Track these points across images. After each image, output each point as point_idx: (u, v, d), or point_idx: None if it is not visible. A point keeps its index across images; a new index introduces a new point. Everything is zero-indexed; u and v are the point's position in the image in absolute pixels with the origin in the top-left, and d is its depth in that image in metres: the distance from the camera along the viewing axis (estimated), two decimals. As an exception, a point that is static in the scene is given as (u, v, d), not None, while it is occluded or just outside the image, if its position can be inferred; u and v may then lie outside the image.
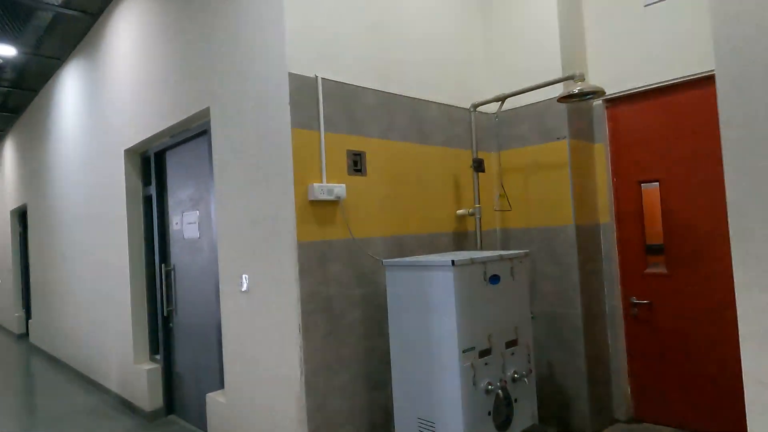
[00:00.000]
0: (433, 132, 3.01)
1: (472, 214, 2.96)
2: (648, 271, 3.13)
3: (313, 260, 2.35)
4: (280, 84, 2.38)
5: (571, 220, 3.03)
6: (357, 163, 2.55)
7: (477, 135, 3.26)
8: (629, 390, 3.19)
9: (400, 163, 2.79)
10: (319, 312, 2.35)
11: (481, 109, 3.31)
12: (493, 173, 3.38)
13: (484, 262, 2.15)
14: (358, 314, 2.50)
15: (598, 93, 2.46)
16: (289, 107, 2.32)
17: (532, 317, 2.83)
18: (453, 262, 1.99)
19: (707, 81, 2.87)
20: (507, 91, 2.93)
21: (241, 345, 2.76)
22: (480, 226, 2.94)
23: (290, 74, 2.33)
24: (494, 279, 2.19)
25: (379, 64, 2.74)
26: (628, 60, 3.11)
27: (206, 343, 3.39)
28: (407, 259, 2.27)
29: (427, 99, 2.99)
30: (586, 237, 3.12)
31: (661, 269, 3.08)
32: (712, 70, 2.80)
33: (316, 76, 2.44)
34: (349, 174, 2.53)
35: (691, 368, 2.95)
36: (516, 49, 3.29)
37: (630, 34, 3.09)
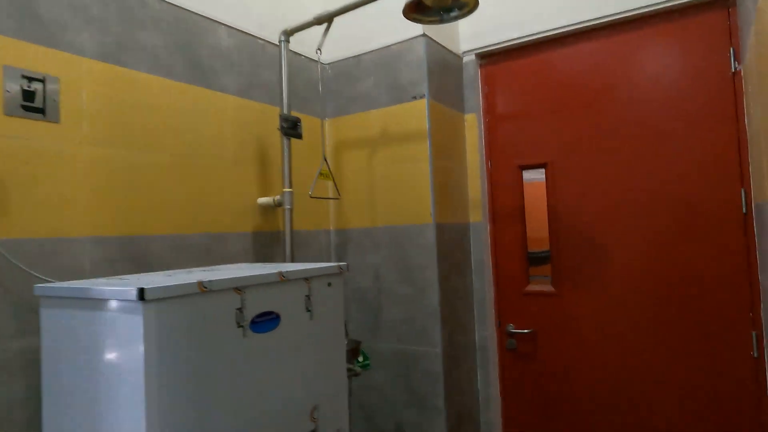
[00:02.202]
0: (221, 71, 1.88)
1: (279, 204, 1.88)
2: (530, 288, 2.29)
3: None
4: None
5: (429, 218, 2.08)
6: (32, 97, 1.34)
7: (296, 85, 2.20)
8: (504, 452, 2.32)
9: (147, 113, 1.62)
10: None
11: (303, 50, 2.25)
12: (320, 146, 2.34)
13: (240, 288, 1.06)
14: (19, 391, 1.27)
15: (468, 4, 1.51)
16: None
17: (361, 366, 1.81)
18: (141, 292, 0.87)
19: (605, 31, 2.10)
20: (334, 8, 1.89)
21: None
22: (290, 223, 1.86)
23: None
24: (265, 322, 1.12)
25: (108, -67, 1.55)
26: (510, 2, 2.26)
27: None
28: (74, 284, 1.10)
29: (212, 17, 1.85)
30: (451, 242, 2.20)
31: (547, 286, 2.26)
32: (613, 15, 2.02)
33: None
34: (13, 114, 1.30)
35: (585, 420, 2.14)
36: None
37: (512, -37, 2.24)
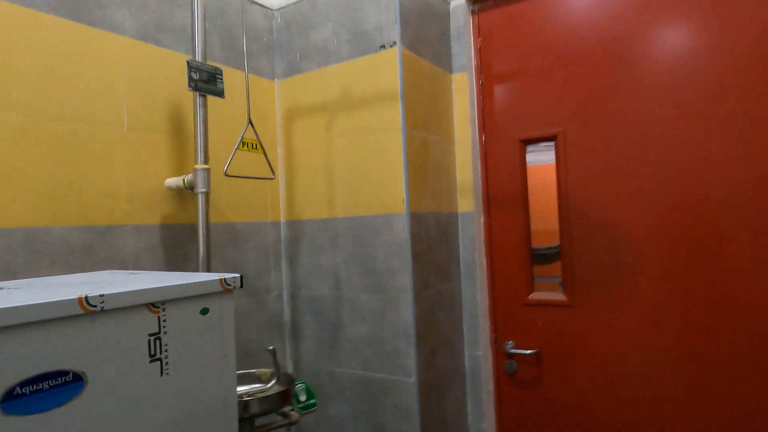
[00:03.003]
0: (110, 2, 1.36)
1: (190, 187, 1.37)
2: (535, 297, 1.79)
3: None
4: None
5: (402, 206, 1.57)
6: None
7: (235, 37, 1.69)
8: (500, 503, 1.83)
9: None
10: None
11: (247, -10, 1.74)
12: (268, 116, 1.83)
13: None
14: None
15: None
16: None
17: (303, 408, 1.32)
18: None
19: (642, -46, 1.58)
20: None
21: None
22: (205, 212, 1.36)
23: None
24: (46, 393, 0.62)
25: None
26: None
27: None
28: None
29: (97, -71, 1.34)
30: (432, 237, 1.69)
31: (556, 294, 1.75)
32: None
33: None
34: None
35: (603, 473, 1.65)
36: None
37: None
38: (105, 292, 0.69)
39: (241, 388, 1.24)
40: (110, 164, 1.33)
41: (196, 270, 1.40)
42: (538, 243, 1.80)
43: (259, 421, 1.21)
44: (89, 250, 1.28)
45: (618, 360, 1.63)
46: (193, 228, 1.52)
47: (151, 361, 0.74)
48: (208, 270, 1.35)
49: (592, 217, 1.67)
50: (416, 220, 1.59)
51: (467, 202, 1.85)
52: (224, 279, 0.85)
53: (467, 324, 1.85)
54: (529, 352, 1.77)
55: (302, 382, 1.39)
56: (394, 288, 1.58)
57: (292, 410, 1.32)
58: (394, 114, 1.57)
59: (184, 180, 1.37)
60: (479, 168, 1.86)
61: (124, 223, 1.35)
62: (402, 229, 1.57)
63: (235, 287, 0.86)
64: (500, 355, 1.84)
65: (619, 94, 1.63)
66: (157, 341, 0.75)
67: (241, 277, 0.89)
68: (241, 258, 1.69)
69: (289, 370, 1.83)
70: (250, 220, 1.73)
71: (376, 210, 1.62)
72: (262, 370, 1.26)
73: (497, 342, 1.85)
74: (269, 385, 1.25)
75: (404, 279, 1.57)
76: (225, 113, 1.62)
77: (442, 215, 1.76)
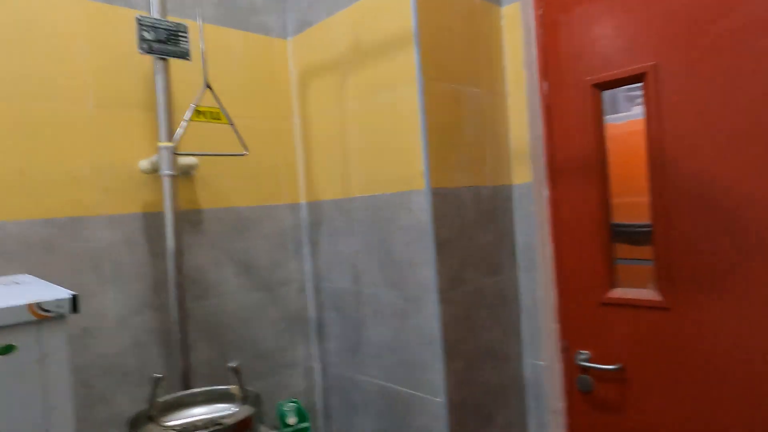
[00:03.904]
0: (69, -36, 1.19)
1: (155, 170, 1.17)
2: (617, 294, 1.34)
3: None
4: None
5: (420, 181, 1.23)
6: None
7: (226, -11, 1.45)
8: None
9: None
10: None
11: (242, -68, 1.48)
12: (281, 81, 1.57)
13: None
14: None
15: None
16: None
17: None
18: None
19: None
20: None
21: None
22: (172, 198, 1.14)
23: None
24: None
25: None
26: None
27: None
28: None
29: None
30: (468, 219, 1.32)
31: (647, 292, 1.29)
32: None
33: None
34: None
35: None
36: None
37: None
38: None
39: (199, 411, 1.03)
40: (72, 147, 1.18)
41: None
42: (621, 219, 1.34)
43: (221, 453, 0.99)
44: (51, 247, 1.14)
45: (733, 383, 1.14)
46: (186, 215, 1.34)
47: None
48: (179, 269, 1.15)
49: (699, 187, 1.17)
50: (442, 197, 1.24)
51: (524, 171, 1.43)
52: (37, 303, 0.61)
53: (527, 328, 1.46)
54: (610, 367, 1.33)
55: (293, 401, 1.15)
56: (416, 284, 1.26)
57: (279, 434, 1.09)
58: (408, 63, 1.22)
59: (150, 162, 1.17)
60: (540, 126, 1.43)
61: (94, 213, 1.20)
62: (421, 210, 1.23)
63: (61, 314, 0.62)
64: (571, 368, 1.43)
65: (735, 7, 1.09)
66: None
67: (75, 297, 0.64)
68: (251, 248, 1.48)
69: (317, 374, 1.61)
70: (261, 203, 1.50)
71: (394, 187, 1.29)
72: (235, 387, 1.05)
73: (568, 351, 1.44)
74: (233, 410, 1.02)
75: (427, 273, 1.23)
76: (226, 81, 1.39)
77: (485, 190, 1.37)
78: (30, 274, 1.09)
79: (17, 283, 0.86)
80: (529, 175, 1.43)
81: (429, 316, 1.24)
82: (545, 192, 1.44)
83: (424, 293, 1.24)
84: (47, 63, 1.14)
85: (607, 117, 1.34)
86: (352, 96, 1.39)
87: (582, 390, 1.40)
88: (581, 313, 1.40)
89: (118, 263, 1.23)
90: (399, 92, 1.25)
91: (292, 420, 1.13)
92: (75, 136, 1.18)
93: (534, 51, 1.43)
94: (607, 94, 1.34)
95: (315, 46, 1.49)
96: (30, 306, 0.61)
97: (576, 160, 1.38)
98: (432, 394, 1.25)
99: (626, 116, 1.33)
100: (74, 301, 0.64)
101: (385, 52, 1.28)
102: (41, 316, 0.61)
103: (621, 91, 1.37)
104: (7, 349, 0.59)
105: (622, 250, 1.35)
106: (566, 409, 1.44)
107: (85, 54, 1.20)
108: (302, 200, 1.60)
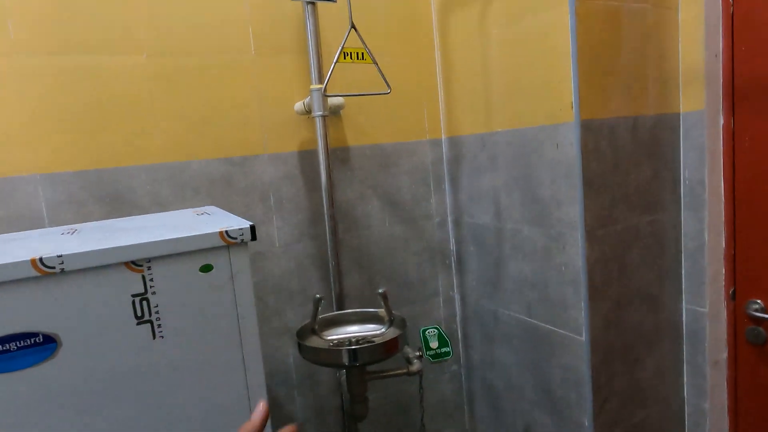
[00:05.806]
0: None
1: (308, 111, 1.25)
2: (806, 239, 1.15)
3: None
4: None
5: (569, 112, 1.15)
6: None
7: None
8: (729, 505, 1.37)
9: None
10: None
11: None
12: (422, 11, 1.54)
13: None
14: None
15: None
16: None
17: (433, 357, 1.16)
18: None
19: None
20: None
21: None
22: (325, 137, 1.23)
23: None
24: (15, 355, 0.60)
25: None
26: None
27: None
28: None
29: None
30: (623, 152, 1.22)
31: None
32: None
33: None
34: None
35: None
36: None
37: None
38: (64, 252, 0.65)
39: (353, 329, 1.15)
40: (241, 94, 1.32)
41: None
42: (826, 154, 1.12)
43: (371, 367, 1.11)
44: (230, 181, 1.32)
45: None
46: (335, 152, 1.44)
47: (138, 323, 0.69)
48: (332, 202, 1.26)
49: None
50: (593, 130, 1.15)
51: (695, 96, 1.26)
52: (226, 231, 0.73)
53: (688, 270, 1.33)
54: (789, 319, 1.18)
55: (435, 327, 1.22)
56: (560, 222, 1.22)
57: (421, 357, 1.18)
58: (559, -19, 1.11)
59: (303, 104, 1.27)
60: (719, 43, 1.22)
61: (260, 152, 1.35)
62: (569, 145, 1.16)
63: (243, 240, 0.73)
64: (739, 317, 1.29)
65: None
66: (144, 302, 0.69)
67: (252, 227, 0.74)
68: (394, 183, 1.55)
69: (456, 304, 1.67)
70: (402, 140, 1.55)
71: (539, 120, 1.23)
72: (382, 310, 1.14)
73: (736, 297, 1.29)
74: (382, 330, 1.12)
75: (572, 211, 1.18)
76: (369, 19, 1.42)
77: (645, 120, 1.24)
78: (214, 206, 1.28)
79: (208, 213, 1.02)
80: (701, 101, 1.25)
81: (573, 255, 1.20)
82: (721, 120, 1.25)
83: (569, 231, 1.20)
84: (215, 19, 1.27)
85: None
86: (494, 22, 1.32)
87: (752, 342, 1.27)
88: (757, 259, 1.23)
89: (281, 197, 1.38)
90: (547, 14, 1.16)
91: (434, 344, 1.21)
92: (243, 83, 1.31)
93: (718, -50, 1.20)
94: (817, -4, 1.09)
95: (457, -27, 1.43)
96: (221, 233, 0.74)
97: (766, 82, 1.17)
98: (574, 332, 1.23)
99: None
100: (252, 230, 0.76)
101: (534, -28, 1.18)
102: (229, 242, 0.74)
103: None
104: (207, 268, 0.73)
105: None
106: (730, 361, 1.32)
107: (246, 4, 1.30)
108: (443, 135, 1.60)
